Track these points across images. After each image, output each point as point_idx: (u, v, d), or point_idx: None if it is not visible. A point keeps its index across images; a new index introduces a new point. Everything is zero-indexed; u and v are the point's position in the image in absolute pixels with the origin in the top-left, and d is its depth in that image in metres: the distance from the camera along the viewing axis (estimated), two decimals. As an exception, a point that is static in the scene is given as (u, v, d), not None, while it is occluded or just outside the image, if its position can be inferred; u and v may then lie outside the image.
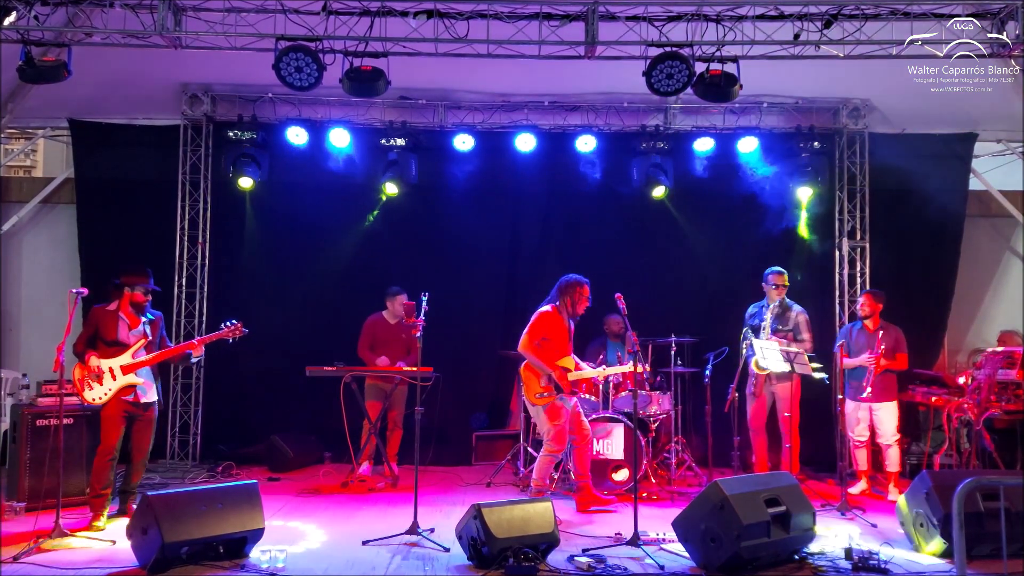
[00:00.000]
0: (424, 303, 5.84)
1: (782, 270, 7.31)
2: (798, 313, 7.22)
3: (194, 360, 6.15)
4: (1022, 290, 8.43)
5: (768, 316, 7.15)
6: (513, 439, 7.81)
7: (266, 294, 8.39)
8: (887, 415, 6.96)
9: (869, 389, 6.84)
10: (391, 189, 8.24)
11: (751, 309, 7.41)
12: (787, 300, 7.26)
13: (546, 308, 6.33)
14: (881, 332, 6.93)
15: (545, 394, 6.20)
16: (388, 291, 7.63)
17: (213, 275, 8.35)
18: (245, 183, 8.12)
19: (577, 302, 6.31)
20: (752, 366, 7.06)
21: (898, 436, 6.99)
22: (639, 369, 6.79)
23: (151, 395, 5.93)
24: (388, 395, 7.32)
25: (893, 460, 6.97)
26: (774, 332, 7.11)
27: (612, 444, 6.81)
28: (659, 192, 8.28)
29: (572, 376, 6.28)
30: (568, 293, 6.32)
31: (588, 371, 6.49)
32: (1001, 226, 9.04)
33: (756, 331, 7.21)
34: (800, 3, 6.38)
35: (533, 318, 6.33)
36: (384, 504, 6.57)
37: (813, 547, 5.11)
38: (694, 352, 7.69)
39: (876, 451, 7.35)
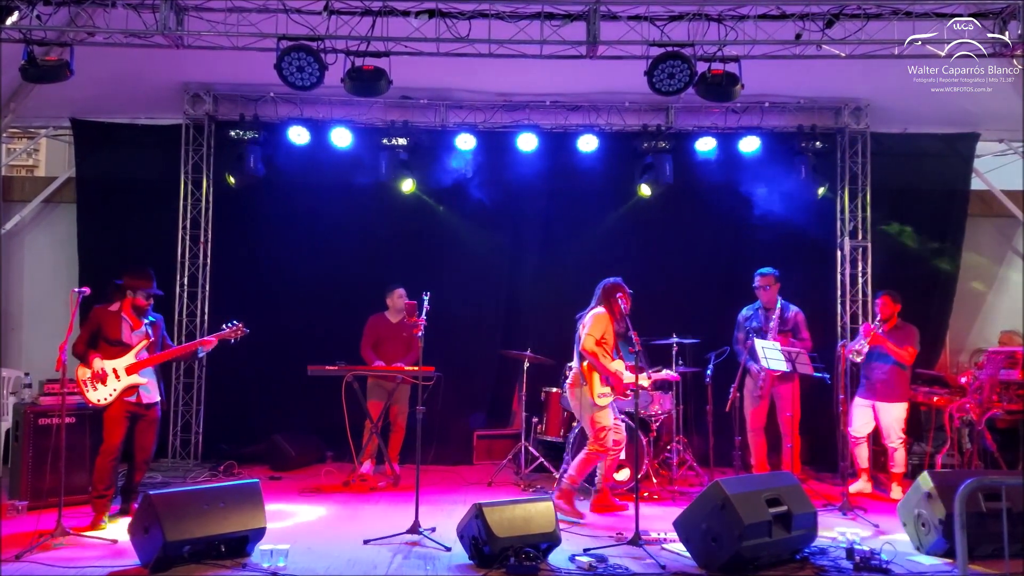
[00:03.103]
0: (425, 302, 5.84)
1: (765, 271, 7.31)
2: (795, 313, 7.24)
3: (201, 355, 6.18)
4: (1023, 290, 8.43)
5: (773, 320, 7.12)
6: (514, 439, 7.82)
7: (268, 293, 8.39)
8: (895, 416, 6.96)
9: (864, 341, 6.84)
10: (406, 187, 8.23)
11: (745, 312, 7.40)
12: (784, 301, 7.27)
13: (600, 310, 6.20)
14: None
15: (606, 393, 6.10)
16: (387, 288, 7.66)
17: (215, 274, 8.35)
18: (247, 183, 8.12)
19: (624, 302, 6.17)
20: (755, 368, 7.05)
21: (903, 438, 7.00)
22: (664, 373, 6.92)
23: (154, 395, 5.94)
24: (390, 394, 7.33)
25: (899, 462, 6.97)
26: (779, 334, 7.10)
27: (613, 444, 6.80)
28: (660, 192, 8.27)
29: (628, 379, 6.22)
30: (613, 294, 6.18)
31: (629, 376, 6.46)
32: (1003, 226, 9.03)
33: (757, 334, 7.20)
34: (802, 3, 6.39)
35: (590, 319, 6.17)
36: (385, 503, 6.57)
37: (814, 546, 5.12)
38: (695, 352, 7.69)
39: (880, 452, 7.36)
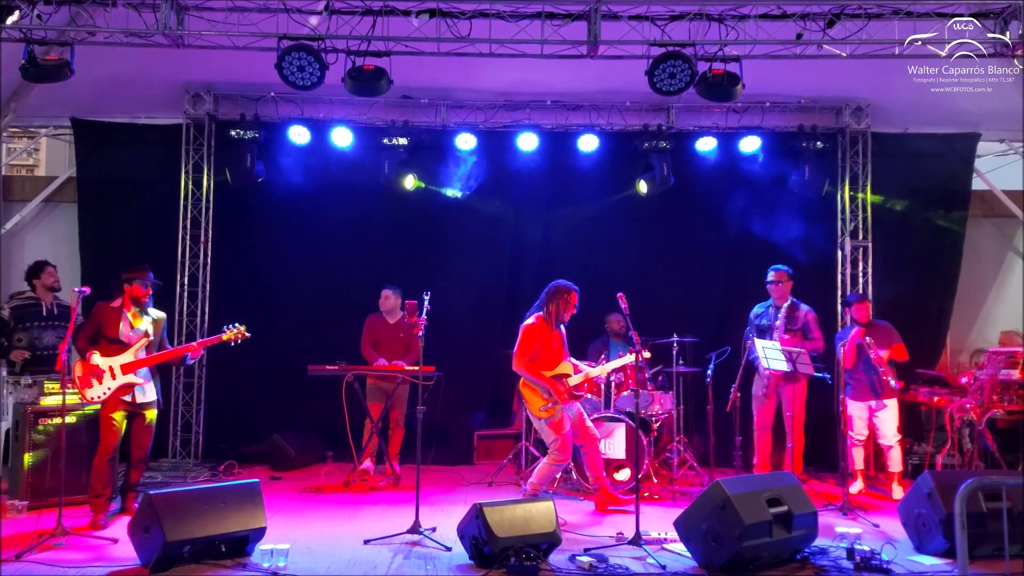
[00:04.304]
0: (426, 302, 5.83)
1: (780, 267, 7.32)
2: (806, 312, 7.22)
3: (190, 362, 6.14)
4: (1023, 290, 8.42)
5: (780, 317, 7.11)
6: (515, 438, 7.82)
7: (268, 293, 8.41)
8: (888, 414, 6.95)
9: (893, 382, 6.80)
10: (407, 186, 8.21)
11: (757, 309, 7.40)
12: (795, 299, 7.26)
13: (530, 320, 6.22)
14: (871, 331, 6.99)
15: (548, 406, 6.10)
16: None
17: (215, 274, 8.34)
18: (247, 182, 8.12)
19: (563, 310, 6.19)
20: (762, 366, 7.03)
21: (899, 436, 6.98)
22: (646, 355, 6.77)
23: (149, 395, 5.94)
24: (389, 395, 7.33)
25: (895, 460, 6.96)
26: (785, 332, 7.08)
27: (614, 444, 6.80)
28: (661, 191, 8.26)
29: (573, 380, 6.24)
30: (554, 300, 6.21)
31: (589, 371, 6.50)
32: (1004, 226, 9.02)
33: (763, 331, 7.19)
34: (802, 2, 6.39)
35: (520, 333, 6.21)
36: (386, 503, 6.57)
37: (815, 546, 5.11)
38: (696, 352, 7.68)
39: (877, 452, 7.35)
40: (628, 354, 6.62)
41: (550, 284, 6.31)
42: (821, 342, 7.13)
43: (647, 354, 6.79)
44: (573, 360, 6.42)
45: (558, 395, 6.11)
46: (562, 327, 6.33)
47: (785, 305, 7.21)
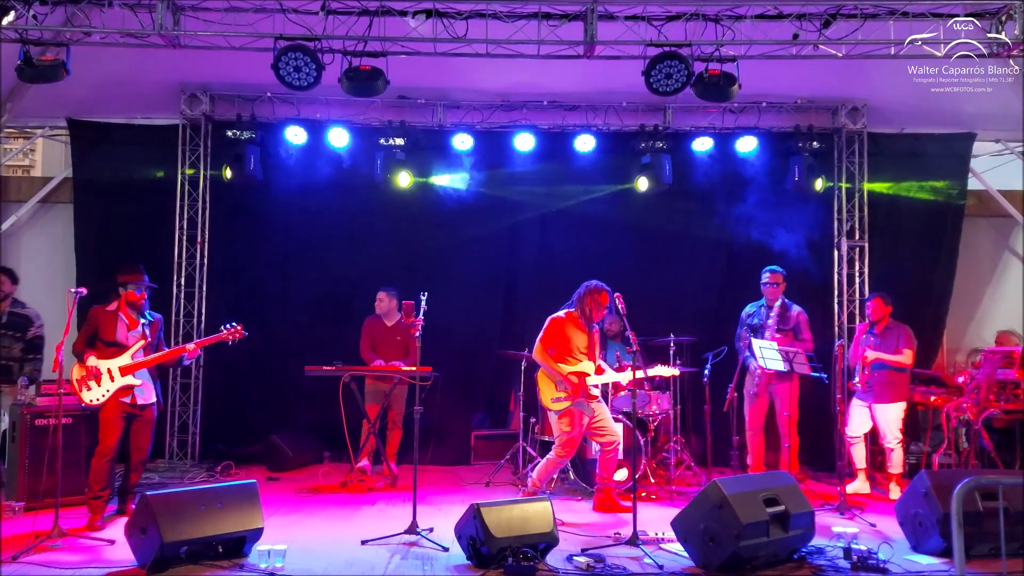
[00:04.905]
0: (423, 302, 5.83)
1: (776, 268, 7.33)
2: (798, 313, 7.23)
3: (187, 362, 6.12)
4: (1021, 290, 8.44)
5: (772, 317, 7.12)
6: (512, 439, 7.81)
7: (265, 294, 8.40)
8: (892, 416, 6.95)
9: (858, 381, 6.85)
10: (403, 186, 8.19)
11: (749, 308, 7.40)
12: (786, 300, 7.28)
13: (559, 313, 6.27)
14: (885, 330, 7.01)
15: (559, 399, 6.13)
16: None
17: (212, 275, 8.34)
18: (244, 183, 8.10)
19: (593, 309, 6.21)
20: (756, 365, 7.03)
21: (901, 438, 6.98)
22: (675, 372, 6.81)
23: (149, 396, 5.93)
24: (387, 396, 7.32)
25: (896, 462, 6.96)
26: (777, 332, 7.10)
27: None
28: (658, 192, 8.27)
29: (593, 380, 6.24)
30: (583, 300, 6.23)
31: (611, 375, 6.49)
32: (1000, 226, 9.04)
33: (755, 331, 7.21)
34: (799, 3, 6.39)
35: (545, 324, 6.26)
36: (383, 503, 6.57)
37: (812, 546, 5.12)
38: (693, 352, 7.69)
39: (877, 452, 7.36)
40: (626, 355, 6.63)
41: (582, 284, 6.31)
42: (811, 343, 7.13)
43: (677, 371, 6.85)
44: (601, 363, 6.43)
45: (573, 390, 6.12)
46: (596, 327, 6.34)
47: (777, 304, 7.22)
